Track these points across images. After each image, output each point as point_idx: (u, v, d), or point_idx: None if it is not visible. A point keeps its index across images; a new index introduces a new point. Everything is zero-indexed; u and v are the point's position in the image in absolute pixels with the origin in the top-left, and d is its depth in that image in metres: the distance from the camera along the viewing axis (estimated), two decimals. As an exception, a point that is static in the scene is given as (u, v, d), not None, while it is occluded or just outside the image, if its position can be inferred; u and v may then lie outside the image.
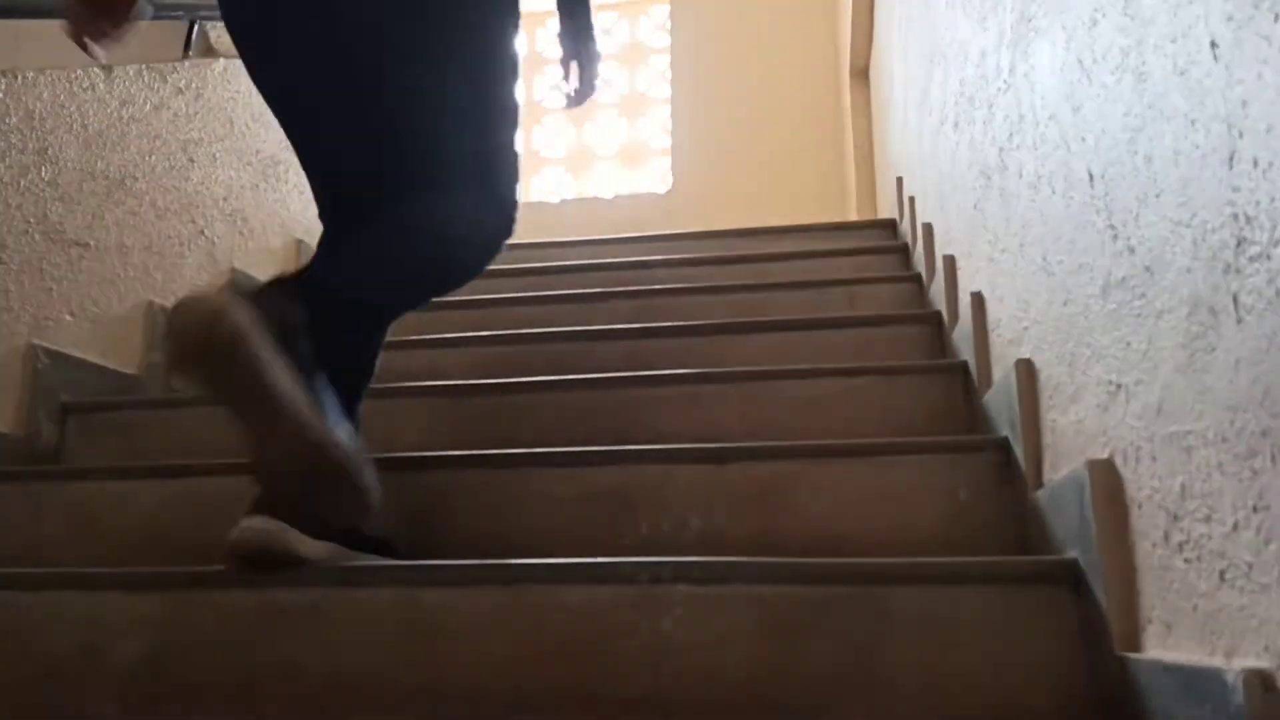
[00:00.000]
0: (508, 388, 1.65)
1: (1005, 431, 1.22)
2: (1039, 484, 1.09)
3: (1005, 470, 1.20)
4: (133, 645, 1.06)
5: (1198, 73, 0.63)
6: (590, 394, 1.63)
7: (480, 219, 1.26)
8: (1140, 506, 0.79)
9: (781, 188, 4.48)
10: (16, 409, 1.64)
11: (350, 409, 1.14)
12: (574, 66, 1.49)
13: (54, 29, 1.86)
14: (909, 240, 2.38)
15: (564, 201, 4.94)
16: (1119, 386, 0.82)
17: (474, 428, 1.62)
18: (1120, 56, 0.77)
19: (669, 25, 5.13)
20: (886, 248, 2.46)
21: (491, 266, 2.56)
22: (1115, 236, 0.81)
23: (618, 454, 1.33)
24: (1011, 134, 1.19)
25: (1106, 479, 0.84)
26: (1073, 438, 0.96)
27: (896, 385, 1.53)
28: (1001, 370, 1.28)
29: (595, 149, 5.44)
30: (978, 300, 1.43)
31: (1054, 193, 1.00)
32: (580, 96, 1.52)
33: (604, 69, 1.80)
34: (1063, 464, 1.00)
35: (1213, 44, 0.61)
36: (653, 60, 5.54)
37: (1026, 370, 1.13)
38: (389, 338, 1.33)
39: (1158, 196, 0.71)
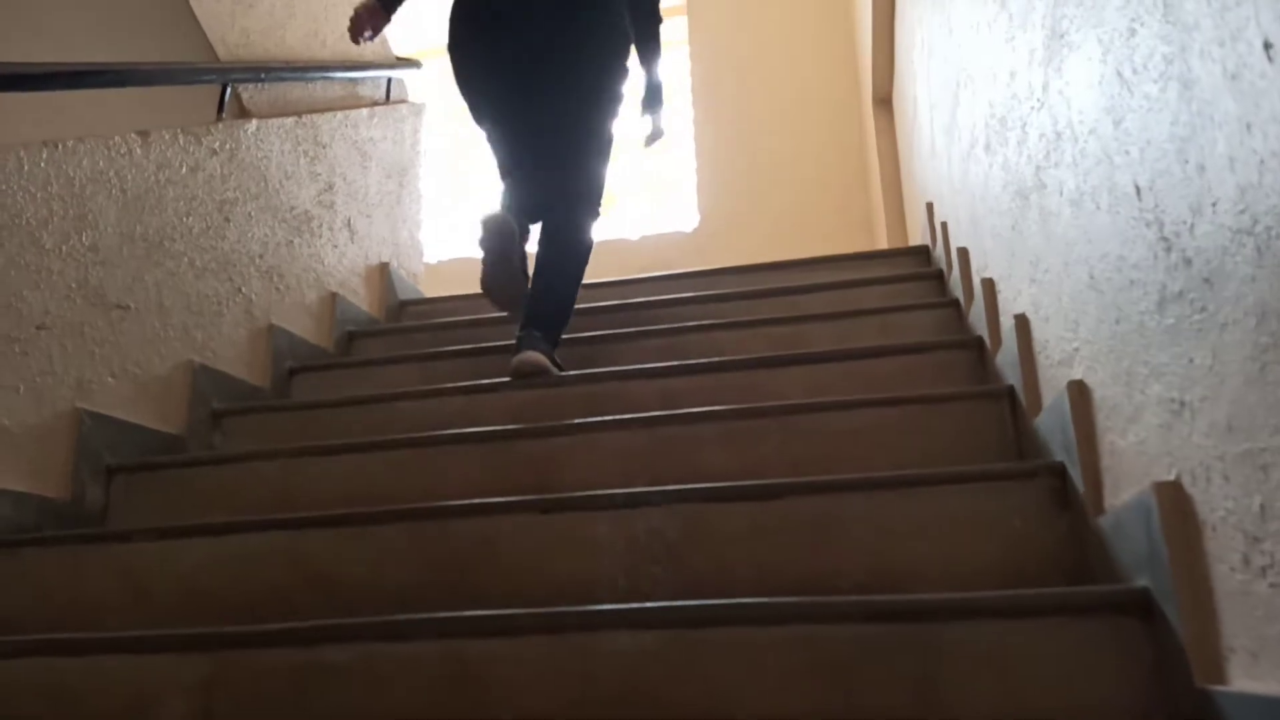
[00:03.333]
0: (544, 431, 1.64)
1: (1060, 456, 1.18)
2: (1100, 510, 1.05)
3: (1062, 496, 1.16)
4: (181, 706, 1.04)
5: (1250, 75, 0.61)
6: (626, 434, 1.61)
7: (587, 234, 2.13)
8: (1214, 529, 0.75)
9: (809, 217, 4.47)
10: (62, 473, 1.65)
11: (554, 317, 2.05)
12: (648, 118, 2.32)
13: (92, 98, 1.91)
14: (943, 266, 2.35)
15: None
16: (1182, 404, 0.79)
17: (512, 473, 1.61)
18: (1164, 65, 0.75)
19: (688, 64, 5.18)
20: (920, 274, 2.42)
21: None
22: (1169, 249, 0.78)
23: (658, 495, 1.31)
24: (1049, 152, 1.17)
25: (1175, 501, 0.81)
26: (1134, 459, 0.92)
27: (941, 413, 1.49)
28: (1052, 393, 1.24)
29: (619, 187, 5.49)
30: (1021, 323, 1.39)
31: (1098, 208, 0.98)
32: (652, 139, 2.37)
33: (669, 115, 2.42)
34: (1125, 487, 0.96)
35: (1266, 45, 0.58)
36: (672, 97, 5.60)
37: (1079, 392, 1.09)
38: (427, 386, 1.72)
39: (1214, 205, 0.69)
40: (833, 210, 4.42)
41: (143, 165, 1.90)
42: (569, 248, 2.06)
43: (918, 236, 2.97)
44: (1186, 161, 0.73)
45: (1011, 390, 1.45)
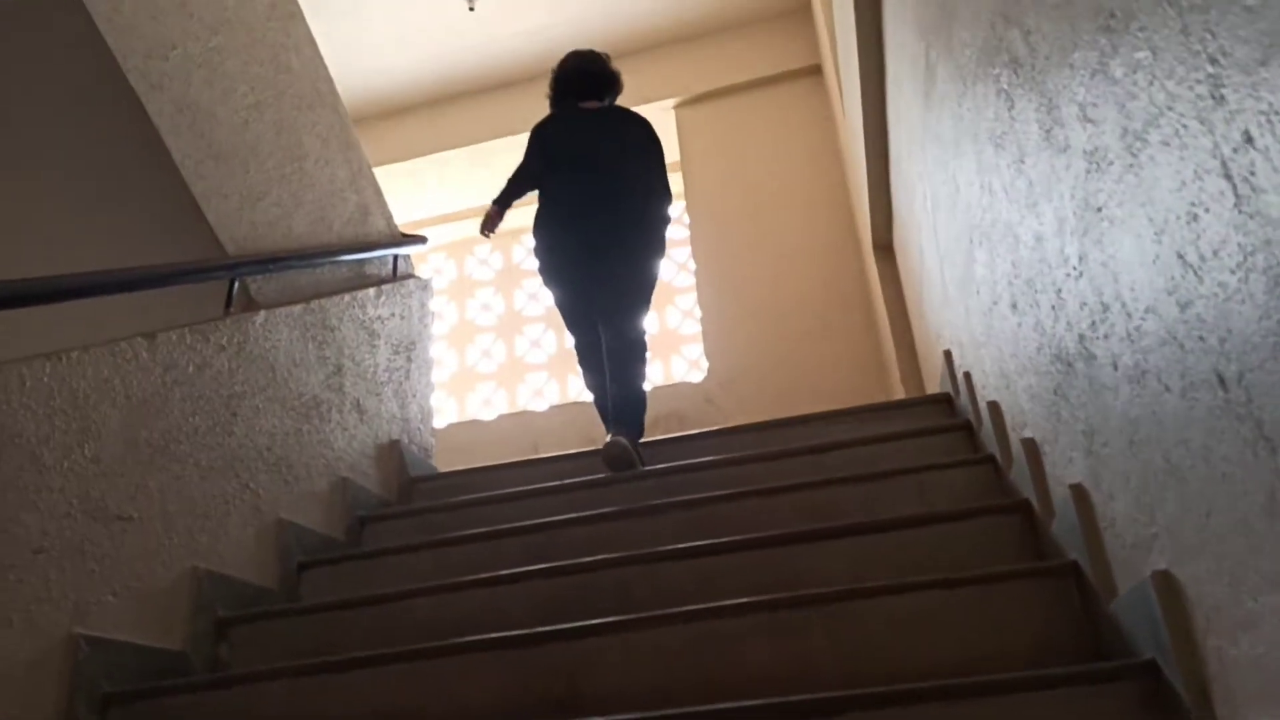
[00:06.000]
0: (573, 633, 1.53)
1: (1149, 653, 1.07)
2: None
3: (1157, 700, 1.05)
4: None
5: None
6: (661, 631, 1.50)
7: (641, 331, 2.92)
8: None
9: (817, 363, 4.45)
10: (56, 706, 1.53)
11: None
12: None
13: (97, 305, 1.89)
14: (970, 418, 2.28)
15: (602, 399, 4.93)
16: (1314, 623, 0.70)
17: (540, 681, 1.49)
18: (1241, 256, 0.70)
19: (685, 218, 5.29)
20: (946, 427, 2.35)
21: (539, 484, 2.49)
22: (1274, 451, 0.71)
23: (702, 715, 1.19)
24: (1094, 323, 1.12)
25: (1322, 737, 0.70)
26: (1254, 676, 0.82)
27: (1002, 593, 1.39)
28: (1128, 578, 1.15)
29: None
30: (1080, 494, 1.31)
31: (1168, 391, 0.91)
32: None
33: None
34: (1244, 704, 0.86)
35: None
36: (672, 253, 5.70)
37: (1168, 585, 1.00)
38: (444, 580, 1.79)
39: (1331, 412, 0.62)
40: (841, 357, 4.40)
41: (149, 369, 1.86)
42: (632, 351, 2.88)
43: (935, 384, 2.91)
44: (1286, 359, 0.67)
45: (1076, 567, 1.35)
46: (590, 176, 3.01)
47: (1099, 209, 1.02)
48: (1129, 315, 0.98)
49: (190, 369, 1.98)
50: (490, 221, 3.17)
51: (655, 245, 3.05)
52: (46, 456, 1.58)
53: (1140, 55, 0.83)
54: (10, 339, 1.77)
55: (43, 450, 1.58)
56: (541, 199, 3.11)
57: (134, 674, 1.67)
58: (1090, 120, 1.00)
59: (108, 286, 1.82)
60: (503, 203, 3.17)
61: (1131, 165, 0.89)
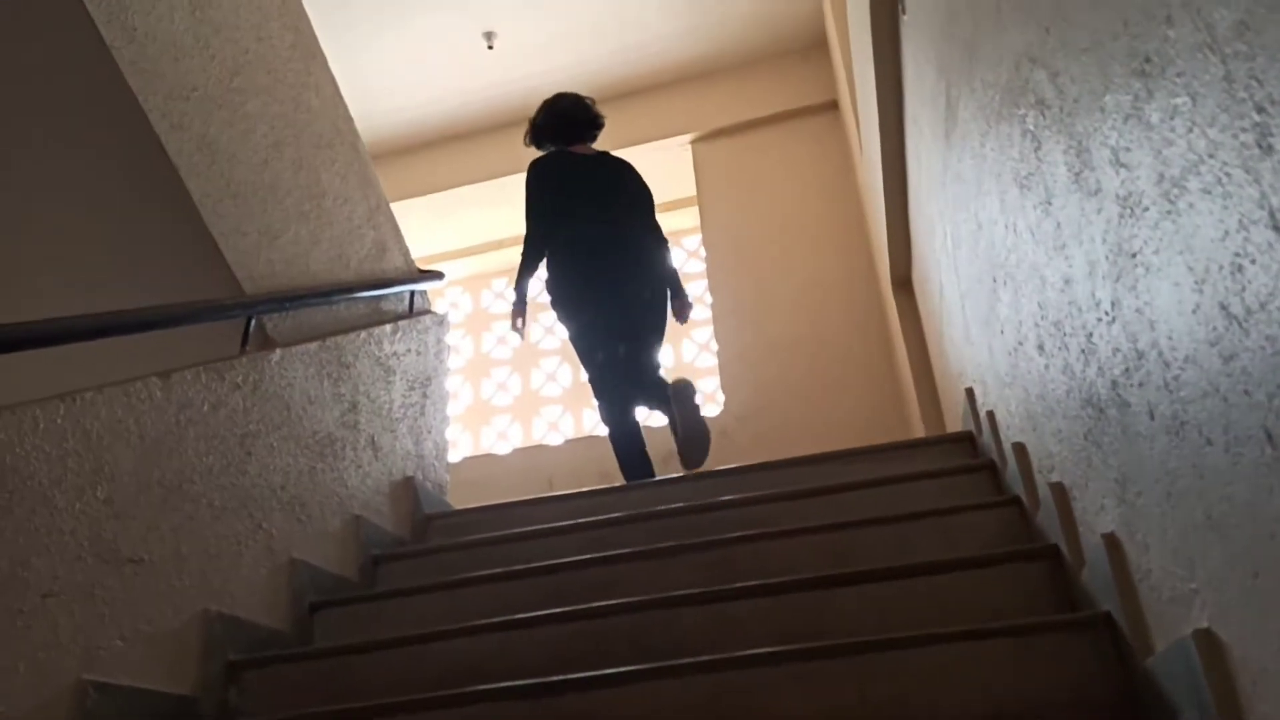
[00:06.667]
0: (591, 683, 1.49)
1: (1189, 713, 1.02)
2: (1259, 789, 0.89)
3: (1202, 762, 1.00)
4: None
5: None
6: (680, 682, 1.46)
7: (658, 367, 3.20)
8: None
9: (834, 398, 4.41)
10: (62, 754, 1.50)
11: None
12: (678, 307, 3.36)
13: (116, 346, 1.88)
14: (994, 457, 2.23)
15: (617, 435, 4.89)
16: (1377, 698, 0.66)
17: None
18: (1292, 310, 0.67)
19: (702, 252, 5.28)
20: (969, 467, 2.31)
21: (551, 524, 2.45)
22: (1330, 514, 0.67)
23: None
24: (1128, 369, 1.08)
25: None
26: (1307, 746, 0.78)
27: (1034, 644, 1.34)
28: (1165, 633, 1.10)
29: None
30: (1113, 543, 1.27)
31: (1209, 444, 0.88)
32: (682, 317, 3.39)
33: (694, 302, 3.50)
34: (1297, 776, 0.81)
35: None
36: (690, 286, 5.69)
37: (1210, 644, 0.96)
38: (458, 624, 1.80)
39: (1395, 477, 0.59)
40: (859, 392, 4.36)
41: (163, 408, 1.85)
42: (657, 382, 3.14)
43: (956, 421, 2.87)
44: (1343, 419, 0.64)
45: (1110, 619, 1.31)
46: (603, 218, 3.17)
47: (1133, 255, 0.99)
48: (1166, 365, 0.95)
49: (205, 408, 1.97)
50: (519, 314, 3.34)
51: (667, 283, 3.31)
52: (59, 499, 1.57)
53: (1178, 101, 0.80)
54: (29, 379, 1.76)
55: (55, 492, 1.56)
56: (553, 244, 3.22)
57: (143, 720, 1.64)
58: (1124, 165, 0.97)
59: (124, 327, 1.82)
60: (524, 280, 3.32)
61: (1169, 212, 0.87)
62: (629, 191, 3.31)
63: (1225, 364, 0.81)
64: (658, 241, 3.35)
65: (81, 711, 1.53)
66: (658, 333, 3.22)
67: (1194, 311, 0.86)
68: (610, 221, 3.18)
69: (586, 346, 3.16)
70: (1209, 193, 0.78)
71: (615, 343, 3.10)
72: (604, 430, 3.27)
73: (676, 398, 3.05)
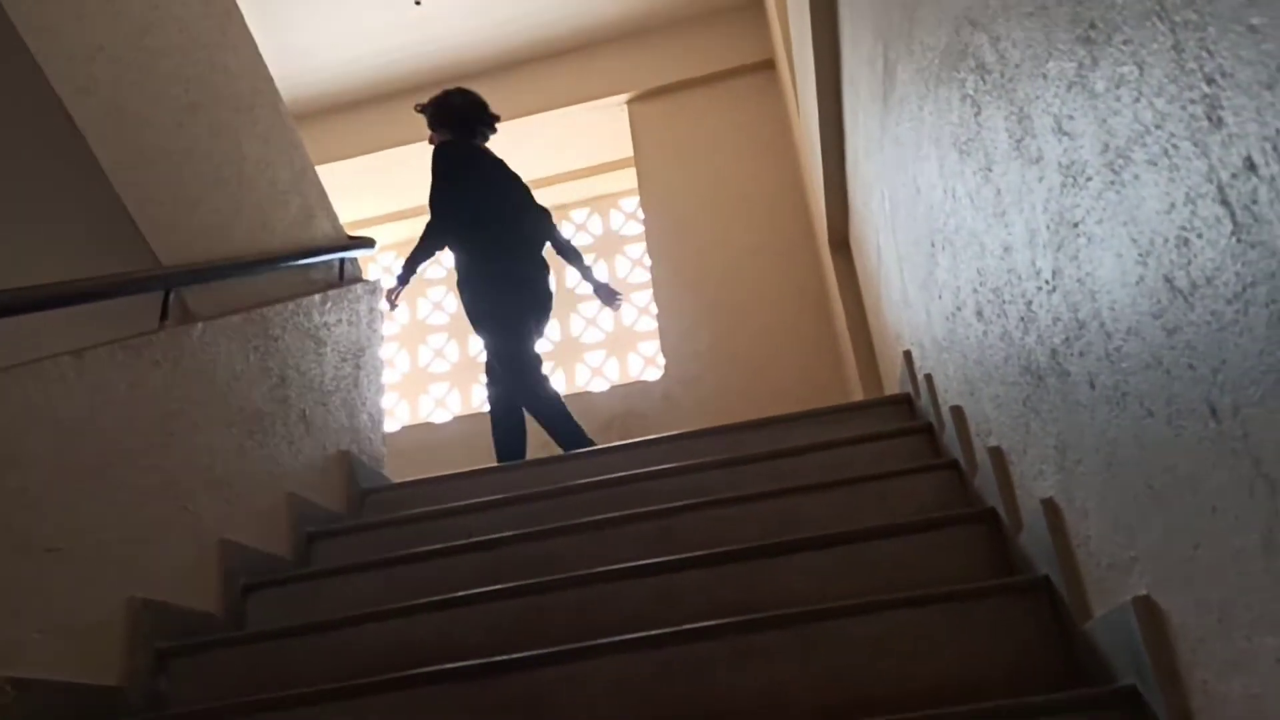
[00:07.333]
0: (531, 662, 1.46)
1: (1129, 678, 1.04)
2: (1194, 752, 0.91)
3: (1139, 725, 1.02)
4: None
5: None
6: (624, 659, 1.44)
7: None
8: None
9: (774, 359, 4.43)
10: (-21, 756, 1.43)
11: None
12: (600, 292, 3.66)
13: (23, 324, 1.78)
14: (932, 420, 2.25)
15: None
16: (1316, 671, 0.66)
17: (498, 716, 1.42)
18: (1239, 286, 0.66)
19: (640, 214, 5.23)
20: (907, 430, 2.33)
21: (489, 496, 2.41)
22: (1274, 491, 0.67)
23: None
24: (1068, 338, 1.08)
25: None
26: (1245, 713, 0.79)
27: (973, 610, 1.36)
28: (1103, 598, 1.12)
29: (583, 339, 5.44)
30: (1051, 509, 1.28)
31: (1151, 416, 0.87)
32: (611, 301, 3.69)
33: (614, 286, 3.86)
34: (1234, 741, 0.83)
35: None
36: (628, 249, 5.64)
37: (1150, 611, 0.97)
38: (396, 604, 1.78)
39: (1341, 457, 0.58)
40: (798, 353, 4.38)
41: (77, 389, 1.76)
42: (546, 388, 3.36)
43: (894, 383, 2.90)
44: (1289, 397, 0.63)
45: (1048, 581, 1.33)
46: (511, 219, 3.38)
47: (1075, 224, 0.98)
48: (1108, 335, 0.95)
49: (123, 388, 1.88)
50: (394, 296, 3.57)
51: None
52: (-36, 489, 1.48)
53: (1124, 70, 0.79)
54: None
55: (-40, 482, 1.47)
56: (465, 240, 3.37)
57: (68, 716, 1.57)
58: (1066, 133, 0.96)
59: (33, 304, 1.71)
60: (418, 262, 3.62)
61: (1113, 183, 0.86)
62: (524, 193, 3.51)
63: (1169, 337, 0.80)
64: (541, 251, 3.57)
65: (-2, 711, 1.46)
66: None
67: (1137, 283, 0.85)
68: (517, 225, 3.41)
69: (503, 358, 3.40)
70: (1155, 164, 0.76)
71: (525, 357, 3.34)
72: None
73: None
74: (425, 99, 3.60)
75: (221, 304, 2.34)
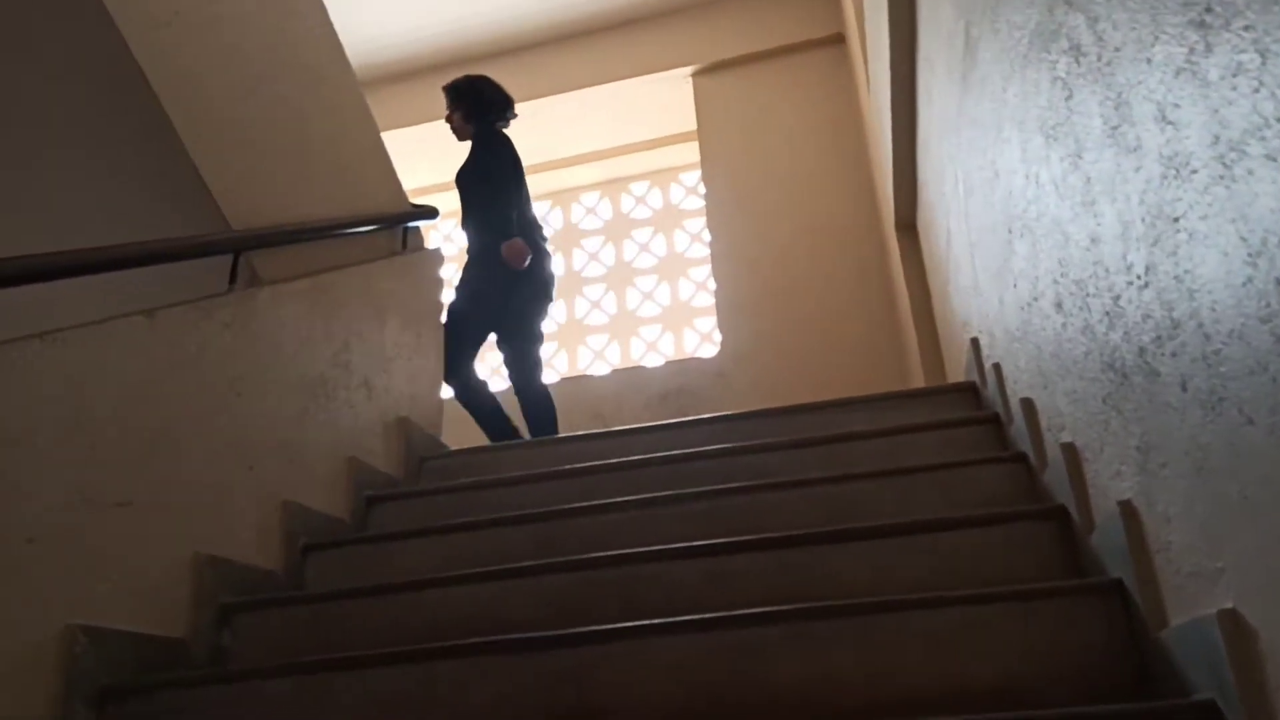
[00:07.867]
0: (581, 639, 1.46)
1: (1209, 694, 1.00)
2: (1278, 776, 0.87)
3: (1219, 744, 0.98)
4: None
5: None
6: (675, 640, 1.44)
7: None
8: None
9: (833, 341, 4.36)
10: (52, 700, 1.48)
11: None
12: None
13: (96, 284, 1.81)
14: (999, 410, 2.20)
15: (613, 372, 4.86)
16: None
17: (548, 688, 1.43)
18: (1367, 294, 0.62)
19: (702, 189, 5.17)
20: (973, 420, 2.27)
21: (543, 468, 2.41)
22: (1392, 513, 0.63)
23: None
24: (1159, 337, 1.03)
25: None
26: (1339, 742, 0.75)
27: (1041, 609, 1.32)
28: (1183, 608, 1.08)
29: (639, 313, 5.42)
30: (1129, 511, 1.24)
31: (1251, 424, 0.83)
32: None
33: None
34: (1325, 770, 0.79)
35: None
36: (687, 224, 5.59)
37: (1236, 626, 0.92)
38: (451, 572, 1.81)
39: None
40: (858, 335, 4.31)
41: (148, 348, 1.79)
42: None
43: (959, 370, 2.83)
44: None
45: (1121, 585, 1.28)
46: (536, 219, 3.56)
47: (1175, 219, 0.93)
48: (1206, 337, 0.90)
49: (192, 348, 1.91)
50: (521, 254, 3.34)
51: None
52: (41, 443, 1.52)
53: (1244, 57, 0.74)
54: (5, 320, 1.69)
55: (34, 438, 1.51)
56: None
57: (133, 665, 1.62)
58: (1170, 122, 0.91)
59: (105, 264, 1.75)
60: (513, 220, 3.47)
61: (1222, 176, 0.81)
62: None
63: (1278, 343, 0.76)
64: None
65: (70, 656, 1.51)
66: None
67: (1244, 284, 0.80)
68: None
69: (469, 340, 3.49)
70: (1273, 159, 0.72)
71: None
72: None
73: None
74: (492, 67, 3.61)
75: (288, 269, 2.37)
